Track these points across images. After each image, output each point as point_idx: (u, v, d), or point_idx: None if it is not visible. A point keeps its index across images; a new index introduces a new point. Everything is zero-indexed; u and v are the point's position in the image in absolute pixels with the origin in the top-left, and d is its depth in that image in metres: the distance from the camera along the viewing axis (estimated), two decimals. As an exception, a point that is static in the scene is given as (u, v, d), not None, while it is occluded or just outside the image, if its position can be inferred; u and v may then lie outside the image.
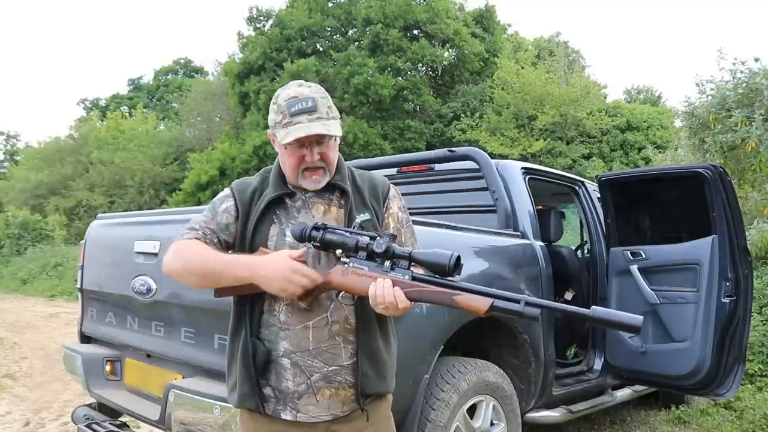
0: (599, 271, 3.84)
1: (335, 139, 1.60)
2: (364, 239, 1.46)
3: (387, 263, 1.45)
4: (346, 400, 1.56)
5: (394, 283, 1.42)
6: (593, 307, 1.36)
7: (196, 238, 1.57)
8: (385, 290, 1.40)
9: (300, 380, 1.53)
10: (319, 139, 1.54)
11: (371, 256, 1.46)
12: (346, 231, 1.49)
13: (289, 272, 1.43)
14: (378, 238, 1.45)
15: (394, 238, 1.48)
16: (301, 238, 1.49)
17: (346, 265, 1.47)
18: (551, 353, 3.17)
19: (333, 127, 1.54)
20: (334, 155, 1.60)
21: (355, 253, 1.47)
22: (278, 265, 1.44)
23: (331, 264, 1.53)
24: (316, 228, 1.49)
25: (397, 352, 1.71)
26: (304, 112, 1.51)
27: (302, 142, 1.54)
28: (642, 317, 1.33)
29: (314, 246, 1.51)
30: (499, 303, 1.40)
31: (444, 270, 1.41)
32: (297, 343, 1.53)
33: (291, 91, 1.56)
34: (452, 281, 1.45)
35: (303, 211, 1.60)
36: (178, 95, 32.31)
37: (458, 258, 1.40)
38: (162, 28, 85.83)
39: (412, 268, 1.47)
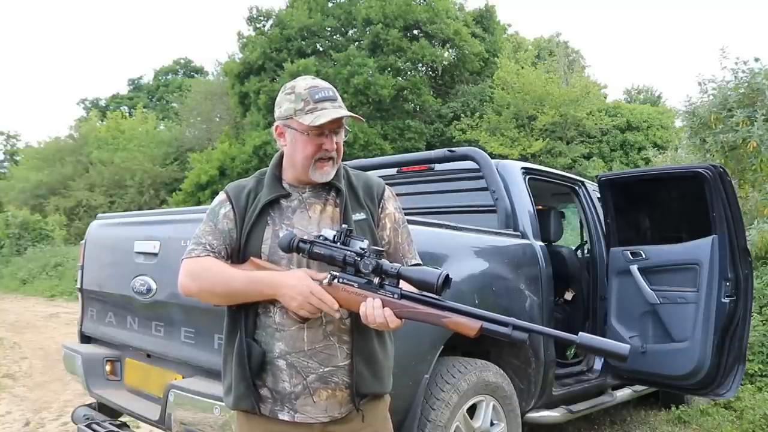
0: (599, 271, 3.84)
1: (344, 133, 1.63)
2: (352, 255, 1.45)
3: (376, 279, 1.45)
4: (343, 401, 1.56)
5: (384, 303, 1.43)
6: (581, 333, 1.38)
7: (207, 255, 1.56)
8: (375, 311, 1.42)
9: (296, 381, 1.53)
10: (337, 129, 1.58)
11: (360, 272, 1.45)
12: (334, 245, 1.47)
13: (309, 295, 1.45)
14: (365, 256, 1.44)
15: (381, 253, 1.47)
16: (289, 248, 1.49)
17: (336, 280, 1.47)
18: (551, 353, 3.17)
19: (354, 115, 1.59)
20: (342, 148, 1.63)
21: (344, 266, 1.47)
22: (302, 286, 1.45)
23: (322, 270, 1.53)
24: (303, 240, 1.48)
25: (394, 353, 1.70)
26: (328, 99, 1.56)
27: (323, 130, 1.56)
28: (629, 346, 1.36)
29: (302, 256, 1.51)
30: (487, 326, 1.41)
31: (432, 288, 1.41)
32: (292, 344, 1.52)
33: (308, 81, 1.61)
34: (442, 301, 1.45)
35: (299, 212, 1.60)
36: (178, 95, 32.32)
37: (446, 277, 1.40)
38: (162, 28, 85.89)
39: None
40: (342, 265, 1.46)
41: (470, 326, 1.41)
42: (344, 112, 1.55)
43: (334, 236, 1.48)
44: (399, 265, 1.46)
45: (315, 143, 1.56)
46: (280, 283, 1.47)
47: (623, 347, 1.34)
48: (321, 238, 1.49)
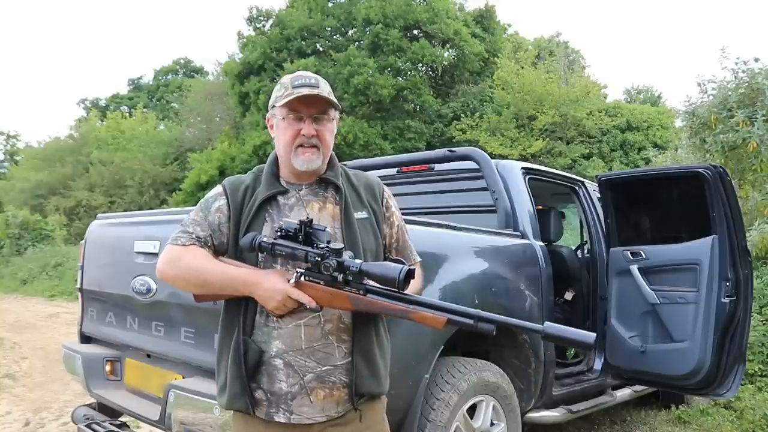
0: (599, 271, 3.84)
1: (332, 123, 1.62)
2: (313, 255, 1.45)
3: (340, 276, 1.46)
4: (340, 400, 1.55)
5: (350, 300, 1.46)
6: (546, 323, 1.40)
7: (192, 244, 1.57)
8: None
9: (293, 381, 1.52)
10: (317, 115, 1.58)
11: (323, 270, 1.45)
12: (297, 246, 1.46)
13: (285, 298, 1.47)
14: (328, 256, 1.44)
15: (340, 251, 1.46)
16: (251, 248, 1.50)
17: (303, 278, 1.48)
18: (551, 353, 3.17)
19: (333, 101, 1.59)
20: (330, 139, 1.62)
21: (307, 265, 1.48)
22: (278, 288, 1.47)
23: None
24: (264, 242, 1.49)
25: (391, 353, 1.70)
26: (306, 85, 1.57)
27: (300, 116, 1.57)
28: (595, 334, 1.38)
29: (266, 255, 1.53)
30: (453, 318, 1.44)
31: (394, 283, 1.42)
32: (290, 342, 1.52)
33: (296, 73, 1.64)
34: (407, 295, 1.47)
35: (296, 209, 1.60)
36: (178, 95, 32.31)
37: (408, 272, 1.41)
38: (162, 28, 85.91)
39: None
40: (305, 263, 1.47)
41: (437, 319, 1.45)
42: (318, 92, 1.55)
43: (296, 229, 1.47)
44: (360, 261, 1.46)
45: (293, 128, 1.57)
46: (255, 282, 1.49)
47: (589, 335, 1.36)
48: (282, 231, 1.48)
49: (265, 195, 1.58)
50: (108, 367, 3.03)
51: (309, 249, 1.45)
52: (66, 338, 4.43)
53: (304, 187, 1.63)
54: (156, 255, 2.66)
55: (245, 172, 1.73)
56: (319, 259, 1.44)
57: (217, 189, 1.66)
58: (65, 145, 28.17)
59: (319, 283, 1.47)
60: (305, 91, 1.54)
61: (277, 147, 1.63)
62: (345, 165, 1.77)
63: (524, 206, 3.34)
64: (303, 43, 20.11)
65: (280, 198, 1.61)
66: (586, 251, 4.40)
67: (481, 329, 1.42)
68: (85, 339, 3.33)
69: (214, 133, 24.06)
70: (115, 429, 2.85)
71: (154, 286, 2.68)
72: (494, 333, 1.42)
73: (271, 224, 1.57)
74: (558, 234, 3.87)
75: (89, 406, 3.12)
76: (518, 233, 3.25)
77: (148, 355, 2.87)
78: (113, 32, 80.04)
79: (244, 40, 21.45)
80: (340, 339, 1.55)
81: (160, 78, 39.55)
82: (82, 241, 3.41)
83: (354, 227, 1.58)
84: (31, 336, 8.42)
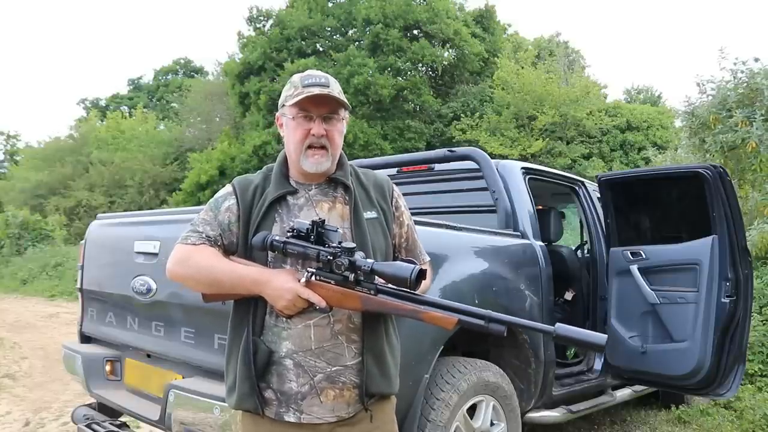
0: (599, 271, 3.84)
1: (342, 123, 1.62)
2: (325, 254, 1.45)
3: (351, 276, 1.46)
4: (351, 401, 1.55)
5: (361, 300, 1.45)
6: (558, 324, 1.39)
7: (202, 243, 1.56)
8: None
9: (303, 381, 1.52)
10: (327, 115, 1.58)
11: (335, 269, 1.45)
12: (309, 245, 1.46)
13: (295, 297, 1.47)
14: (339, 255, 1.44)
15: (352, 251, 1.45)
16: (263, 247, 1.50)
17: (314, 277, 1.48)
18: (551, 353, 3.17)
19: (343, 101, 1.58)
20: (339, 140, 1.61)
21: (318, 264, 1.48)
22: (288, 287, 1.47)
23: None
24: (276, 239, 1.49)
25: (400, 353, 1.70)
26: (317, 84, 1.56)
27: (310, 115, 1.56)
28: (606, 336, 1.37)
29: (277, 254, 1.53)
30: (464, 319, 1.43)
31: (405, 283, 1.41)
32: (299, 342, 1.52)
33: (306, 72, 1.64)
34: (418, 295, 1.47)
35: (305, 209, 1.59)
36: (178, 95, 32.31)
37: (419, 271, 1.41)
38: (162, 28, 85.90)
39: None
40: (317, 263, 1.47)
41: (447, 320, 1.44)
42: (328, 92, 1.55)
43: (308, 229, 1.47)
44: (372, 260, 1.46)
45: (303, 128, 1.57)
46: (264, 281, 1.48)
47: (600, 337, 1.36)
48: (294, 231, 1.48)
49: (274, 195, 1.58)
50: (108, 367, 3.03)
51: (321, 248, 1.45)
52: (66, 338, 4.43)
53: (313, 187, 1.62)
54: (156, 255, 2.67)
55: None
56: (331, 258, 1.44)
57: (227, 188, 1.66)
58: (65, 145, 28.19)
59: (329, 283, 1.47)
60: (316, 90, 1.54)
61: (287, 146, 1.63)
62: (352, 163, 1.76)
63: (524, 206, 3.34)
64: (303, 43, 20.12)
65: (289, 198, 1.60)
66: (586, 251, 4.40)
67: (492, 330, 1.41)
68: (85, 339, 3.33)
69: (214, 133, 24.06)
70: (115, 429, 2.85)
71: (154, 286, 2.68)
72: (504, 334, 1.41)
73: (280, 224, 1.56)
74: (558, 234, 3.87)
75: (89, 406, 3.12)
76: (518, 233, 3.25)
77: (148, 355, 2.87)
78: (113, 32, 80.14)
79: (244, 40, 21.46)
80: (349, 339, 1.54)
81: (160, 78, 39.54)
82: (82, 241, 3.41)
83: (363, 227, 1.58)
84: (31, 336, 8.42)
